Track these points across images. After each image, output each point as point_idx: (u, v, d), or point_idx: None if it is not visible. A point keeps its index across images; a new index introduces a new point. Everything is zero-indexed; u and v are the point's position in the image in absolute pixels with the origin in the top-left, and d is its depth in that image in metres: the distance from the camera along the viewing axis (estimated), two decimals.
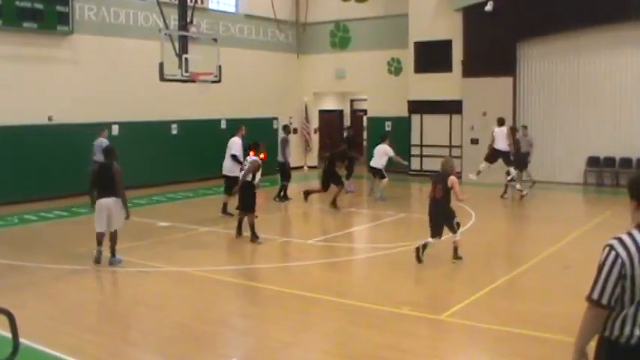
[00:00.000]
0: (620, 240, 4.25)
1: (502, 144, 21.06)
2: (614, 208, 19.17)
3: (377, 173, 21.30)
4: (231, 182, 17.29)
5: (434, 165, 26.15)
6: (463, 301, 10.00)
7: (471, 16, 26.10)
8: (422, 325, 9.12)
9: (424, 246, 12.45)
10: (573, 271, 12.02)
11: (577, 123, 24.64)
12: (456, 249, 12.60)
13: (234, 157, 18.00)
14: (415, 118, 28.20)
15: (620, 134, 23.76)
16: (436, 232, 12.51)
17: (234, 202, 15.64)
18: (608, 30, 24.11)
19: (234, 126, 26.60)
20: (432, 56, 27.50)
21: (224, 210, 18.01)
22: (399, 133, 28.19)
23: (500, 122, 21.49)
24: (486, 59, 25.64)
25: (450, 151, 27.04)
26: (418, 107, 27.98)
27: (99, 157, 17.62)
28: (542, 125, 25.41)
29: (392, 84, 29.43)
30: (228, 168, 18.23)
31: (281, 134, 22.46)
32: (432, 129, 28.00)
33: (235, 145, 18.53)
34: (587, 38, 24.65)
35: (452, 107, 27.02)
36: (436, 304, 9.88)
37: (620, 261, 4.06)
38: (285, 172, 21.29)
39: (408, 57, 28.21)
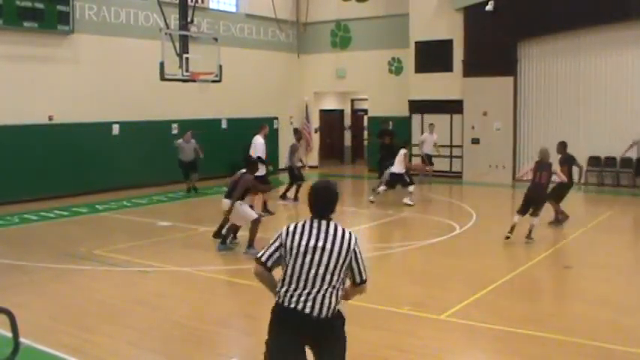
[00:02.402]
0: None
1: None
2: (615, 208, 19.21)
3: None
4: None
5: (437, 165, 26.20)
6: (464, 300, 9.99)
7: (472, 15, 26.08)
8: (422, 325, 9.10)
9: (512, 227, 14.28)
10: (574, 271, 12.02)
11: (578, 123, 24.62)
12: (530, 231, 14.12)
13: (259, 159, 17.73)
14: (416, 118, 28.18)
15: (622, 134, 23.70)
16: (524, 211, 14.40)
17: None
18: (609, 30, 24.10)
19: (235, 125, 26.76)
20: (432, 56, 27.48)
21: (264, 208, 18.36)
22: (399, 132, 28.17)
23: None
24: (487, 59, 25.65)
25: (451, 151, 27.04)
26: (419, 107, 27.96)
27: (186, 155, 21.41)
28: (542, 125, 25.41)
29: (393, 84, 29.43)
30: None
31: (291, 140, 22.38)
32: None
33: (259, 145, 18.63)
34: (588, 38, 24.64)
35: (452, 107, 27.01)
36: (436, 304, 9.86)
37: None
38: (294, 175, 21.23)
39: (408, 57, 28.20)
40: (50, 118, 21.36)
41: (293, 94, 31.16)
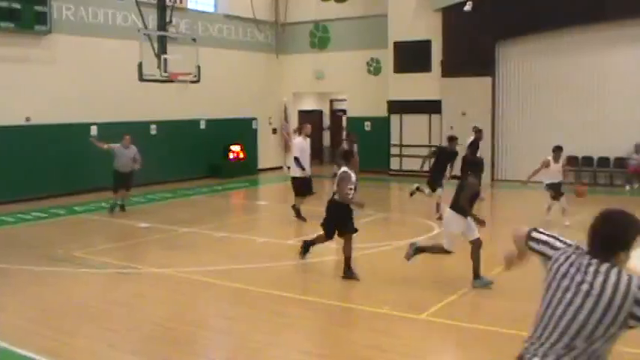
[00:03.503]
0: None
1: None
2: (591, 208, 19.26)
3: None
4: (296, 184, 17.39)
5: (413, 165, 26.28)
6: (444, 300, 10.02)
7: (450, 16, 26.17)
8: (403, 325, 9.12)
9: None
10: None
11: (555, 122, 24.73)
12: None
13: (296, 159, 17.23)
14: (394, 118, 28.23)
15: (599, 134, 23.89)
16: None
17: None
18: (587, 30, 24.28)
19: (214, 126, 26.60)
20: (411, 56, 27.54)
21: (297, 214, 17.48)
22: (378, 133, 28.26)
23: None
24: (465, 59, 25.75)
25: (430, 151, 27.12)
26: (397, 107, 28.01)
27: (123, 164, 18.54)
28: (520, 125, 25.55)
29: (371, 84, 29.47)
30: (292, 169, 17.69)
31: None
32: (411, 129, 28.06)
33: (295, 146, 17.63)
34: (566, 38, 24.80)
35: (431, 107, 27.09)
36: (417, 304, 9.87)
37: None
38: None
39: (387, 57, 28.25)
40: (27, 120, 21.20)
41: (272, 95, 31.10)
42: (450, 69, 26.34)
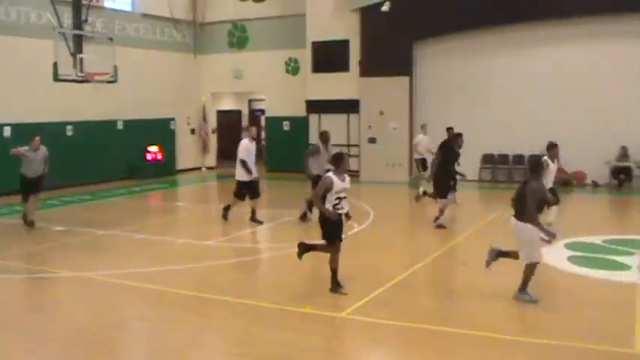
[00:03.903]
0: None
1: None
2: (508, 205, 19.71)
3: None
4: (241, 187, 16.94)
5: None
6: (364, 298, 10.14)
7: (368, 16, 26.42)
8: (323, 324, 9.21)
9: None
10: (470, 266, 12.35)
11: (472, 121, 25.19)
12: None
13: (242, 162, 16.75)
14: (313, 118, 28.36)
15: (514, 132, 24.50)
16: None
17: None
18: (503, 31, 24.93)
19: (131, 127, 26.28)
20: (329, 56, 27.75)
21: (225, 214, 17.29)
22: (297, 132, 28.36)
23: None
24: (383, 59, 26.04)
25: (349, 150, 27.33)
26: (316, 107, 28.15)
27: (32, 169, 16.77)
28: (438, 124, 25.90)
29: (290, 84, 29.56)
30: (238, 172, 16.93)
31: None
32: (329, 128, 28.07)
33: (241, 148, 16.93)
34: (483, 39, 25.40)
35: (349, 107, 27.31)
36: (337, 302, 9.98)
37: None
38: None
39: (305, 57, 28.38)
40: None
41: (190, 95, 30.89)
42: (368, 69, 26.60)
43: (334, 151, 13.72)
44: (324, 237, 10.72)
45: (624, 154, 24.02)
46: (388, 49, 25.90)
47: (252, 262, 13.56)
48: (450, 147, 16.64)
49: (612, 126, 23.60)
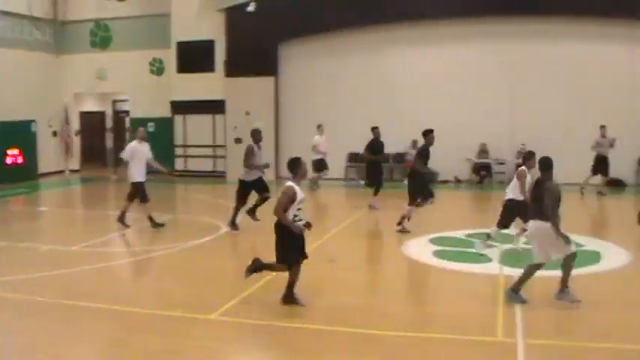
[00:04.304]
0: None
1: None
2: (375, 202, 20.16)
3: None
4: (136, 189, 16.27)
5: (199, 165, 26.38)
6: (233, 298, 10.17)
7: (234, 16, 26.46)
8: (195, 326, 9.18)
9: None
10: (338, 264, 12.58)
11: (338, 120, 25.61)
12: None
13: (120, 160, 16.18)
14: (178, 119, 28.16)
15: (384, 132, 24.95)
16: None
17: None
18: (365, 32, 25.49)
19: None
20: (194, 56, 27.64)
21: (120, 218, 16.45)
22: (162, 133, 28.05)
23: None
24: (249, 59, 26.17)
25: (215, 151, 27.30)
26: (181, 107, 27.97)
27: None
28: (304, 123, 26.23)
29: (154, 84, 29.21)
30: (131, 174, 16.30)
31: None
32: (195, 129, 28.13)
33: (128, 149, 16.42)
34: (346, 39, 25.91)
35: (215, 107, 27.29)
36: (208, 304, 9.96)
37: None
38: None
39: (170, 57, 28.15)
40: None
41: (52, 96, 29.98)
42: (234, 69, 26.65)
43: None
44: (282, 258, 9.79)
45: (484, 151, 25.01)
46: (254, 49, 26.02)
47: (119, 267, 13.36)
48: (427, 149, 15.54)
49: (472, 124, 24.50)
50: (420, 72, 25.39)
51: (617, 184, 24.24)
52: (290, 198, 9.46)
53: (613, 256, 13.28)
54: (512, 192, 12.86)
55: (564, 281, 9.93)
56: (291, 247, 9.73)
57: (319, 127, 23.66)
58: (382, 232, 16.85)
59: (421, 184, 15.57)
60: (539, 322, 9.12)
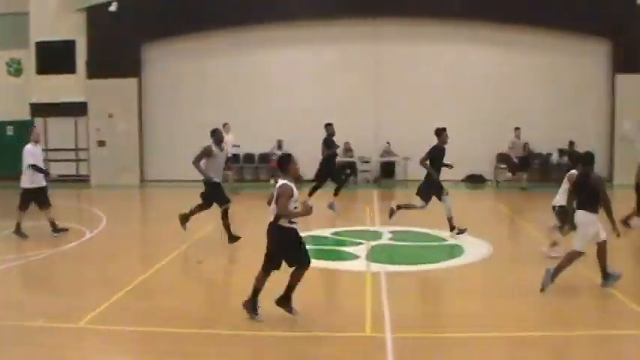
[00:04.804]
0: None
1: None
2: (240, 202, 20.14)
3: None
4: (27, 195, 15.29)
5: (62, 169, 25.60)
6: (101, 305, 9.91)
7: (95, 16, 25.88)
8: (60, 336, 8.88)
9: None
10: (206, 265, 12.49)
11: (201, 121, 25.28)
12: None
13: (34, 167, 15.37)
14: (38, 122, 27.25)
15: (247, 131, 24.90)
16: None
17: None
18: (231, 32, 25.56)
19: None
20: (54, 57, 26.83)
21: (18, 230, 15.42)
22: (21, 137, 27.00)
23: None
24: (111, 60, 25.60)
25: (77, 154, 26.60)
26: (42, 110, 27.07)
27: None
28: (167, 124, 25.95)
29: (12, 86, 28.11)
30: (25, 178, 15.46)
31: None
32: (57, 132, 27.29)
33: (27, 154, 15.71)
34: (211, 40, 25.86)
35: (77, 109, 26.57)
36: (73, 312, 9.65)
37: None
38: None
39: (29, 57, 27.19)
40: None
41: None
42: (96, 70, 26.06)
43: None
44: (300, 258, 9.17)
45: (348, 149, 25.38)
46: (116, 50, 25.50)
47: None
48: (441, 148, 15.15)
49: (337, 124, 24.78)
50: (286, 72, 25.60)
51: (477, 180, 25.20)
52: (289, 197, 8.96)
53: (474, 250, 13.74)
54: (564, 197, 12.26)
55: (604, 269, 10.58)
56: (302, 244, 9.27)
57: (225, 125, 23.15)
58: (251, 232, 16.78)
59: (431, 184, 15.04)
60: (406, 316, 9.32)
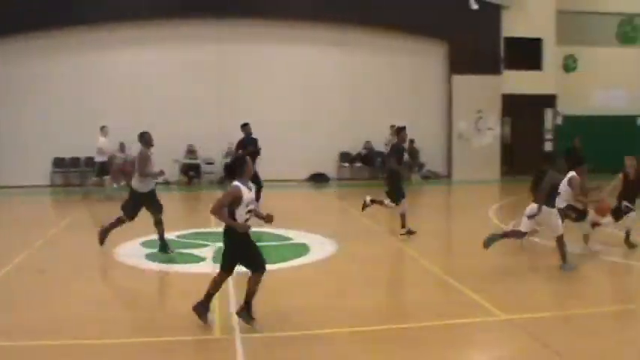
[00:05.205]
0: None
1: None
2: (79, 208, 19.60)
3: None
4: None
5: None
6: None
7: None
8: None
9: None
10: (50, 274, 12.07)
11: (43, 124, 24.58)
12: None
13: None
14: None
15: (85, 135, 24.11)
16: None
17: None
18: (67, 33, 24.83)
19: None
20: None
21: None
22: None
23: None
24: None
25: None
26: None
27: None
28: (8, 127, 24.78)
29: None
30: None
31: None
32: None
33: None
34: (47, 41, 24.98)
35: None
36: None
37: None
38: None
39: None
40: None
41: None
42: None
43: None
44: (258, 262, 8.77)
45: (192, 151, 25.19)
46: None
47: None
48: (401, 148, 15.48)
49: (180, 125, 24.59)
50: (130, 73, 25.07)
51: (321, 179, 25.66)
52: (234, 198, 8.48)
53: (320, 248, 13.96)
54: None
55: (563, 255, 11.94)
56: (256, 248, 8.89)
57: (103, 128, 22.20)
58: (92, 238, 16.37)
59: (398, 184, 15.22)
60: (255, 316, 9.33)
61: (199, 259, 13.07)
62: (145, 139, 13.61)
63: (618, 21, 29.70)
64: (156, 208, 13.59)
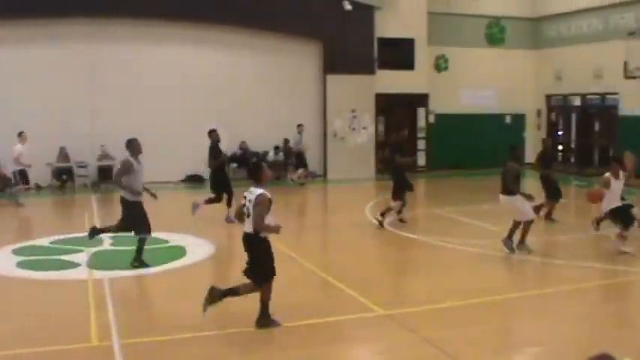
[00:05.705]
0: None
1: None
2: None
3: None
4: None
5: None
6: None
7: None
8: None
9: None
10: None
11: None
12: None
13: None
14: None
15: None
16: None
17: None
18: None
19: None
20: None
21: None
22: None
23: None
24: None
25: None
26: None
27: None
28: None
29: None
30: None
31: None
32: None
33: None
34: None
35: None
36: None
37: None
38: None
39: None
40: None
41: None
42: None
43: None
44: (266, 275, 8.85)
45: (64, 154, 24.57)
46: None
47: None
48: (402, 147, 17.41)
49: (51, 127, 23.91)
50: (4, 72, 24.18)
51: (196, 180, 25.68)
52: (267, 206, 8.62)
53: (197, 250, 13.96)
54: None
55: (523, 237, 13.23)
56: (272, 261, 8.95)
57: (21, 134, 20.91)
58: None
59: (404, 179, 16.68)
60: (132, 322, 9.27)
61: (74, 265, 12.82)
62: (132, 147, 12.63)
63: (486, 23, 30.75)
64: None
